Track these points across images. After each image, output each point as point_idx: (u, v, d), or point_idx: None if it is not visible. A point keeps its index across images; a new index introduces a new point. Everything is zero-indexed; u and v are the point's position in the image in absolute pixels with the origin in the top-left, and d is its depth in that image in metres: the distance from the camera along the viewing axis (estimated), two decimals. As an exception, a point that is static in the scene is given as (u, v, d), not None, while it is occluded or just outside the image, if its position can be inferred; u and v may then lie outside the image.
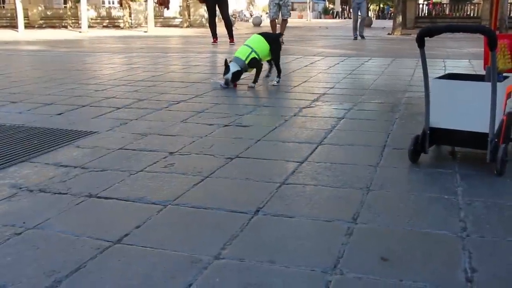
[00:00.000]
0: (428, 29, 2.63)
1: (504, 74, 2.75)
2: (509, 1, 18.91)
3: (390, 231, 1.96)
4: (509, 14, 19.16)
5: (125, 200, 2.26)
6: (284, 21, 12.21)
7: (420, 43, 2.66)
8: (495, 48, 2.42)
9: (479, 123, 2.58)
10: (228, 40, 11.92)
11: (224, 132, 3.48)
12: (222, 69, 5.61)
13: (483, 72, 2.96)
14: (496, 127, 2.59)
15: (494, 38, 2.39)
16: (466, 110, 2.62)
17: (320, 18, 60.79)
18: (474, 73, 5.12)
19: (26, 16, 24.62)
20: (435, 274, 1.64)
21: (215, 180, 2.52)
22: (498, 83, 2.50)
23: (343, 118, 3.85)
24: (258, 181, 2.50)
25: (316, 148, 3.08)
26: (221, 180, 2.53)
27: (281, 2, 11.76)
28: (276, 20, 12.13)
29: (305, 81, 5.84)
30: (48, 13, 27.98)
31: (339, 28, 24.28)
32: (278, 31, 12.07)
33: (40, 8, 27.58)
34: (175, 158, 2.89)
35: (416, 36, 2.65)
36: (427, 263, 1.71)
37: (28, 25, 24.74)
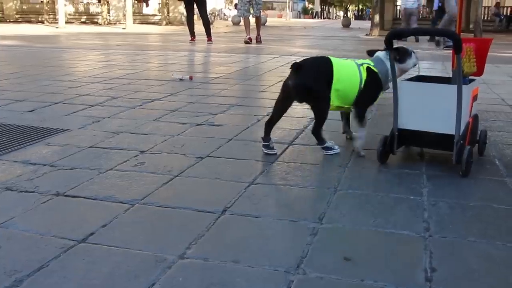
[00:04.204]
0: (396, 32, 2.67)
1: (470, 77, 2.80)
2: (483, 5, 19.18)
3: (355, 231, 1.98)
4: (484, 17, 19.43)
5: (93, 199, 2.25)
6: (257, 19, 12.18)
7: (389, 45, 2.70)
8: (460, 52, 2.47)
9: (446, 125, 2.63)
10: (206, 38, 11.90)
11: (196, 131, 3.48)
12: (197, 67, 5.64)
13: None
14: (462, 129, 2.64)
15: (459, 42, 2.44)
16: (433, 112, 2.67)
17: (300, 17, 60.98)
18: (446, 75, 5.20)
19: (1, 10, 24.27)
20: (396, 273, 1.67)
21: (184, 179, 2.53)
22: (464, 86, 2.55)
23: (315, 118, 3.89)
24: (227, 181, 2.51)
25: (286, 148, 3.11)
26: (191, 179, 2.53)
27: (253, 1, 11.67)
28: (249, 17, 12.06)
29: (280, 81, 5.83)
30: (24, 7, 27.60)
31: (318, 28, 24.39)
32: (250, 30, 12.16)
33: (15, 2, 27.20)
34: (145, 156, 2.88)
35: (384, 38, 2.69)
36: (389, 263, 1.74)
37: (3, 20, 24.40)
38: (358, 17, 67.59)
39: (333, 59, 2.98)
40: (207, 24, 11.94)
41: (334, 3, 73.47)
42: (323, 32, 19.97)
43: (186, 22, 12.48)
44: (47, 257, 1.73)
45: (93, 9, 27.94)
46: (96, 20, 26.16)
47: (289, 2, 53.04)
